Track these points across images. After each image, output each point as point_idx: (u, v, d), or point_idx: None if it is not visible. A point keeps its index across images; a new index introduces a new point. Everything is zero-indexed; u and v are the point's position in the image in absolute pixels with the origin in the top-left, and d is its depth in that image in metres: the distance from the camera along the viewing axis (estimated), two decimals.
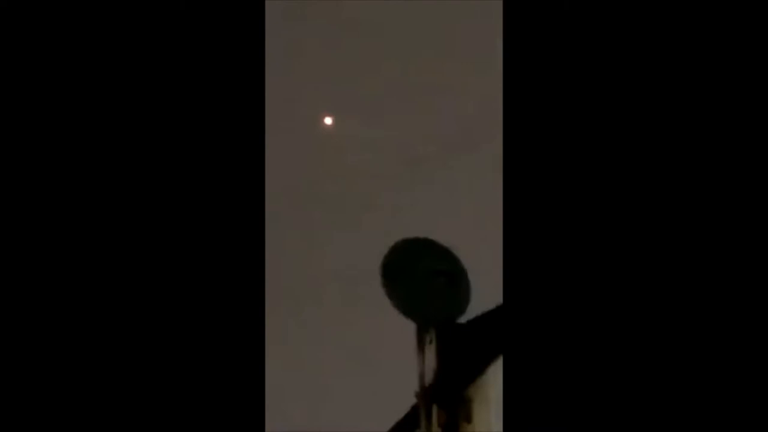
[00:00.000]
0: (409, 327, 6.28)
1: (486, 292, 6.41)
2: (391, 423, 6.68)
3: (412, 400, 6.22)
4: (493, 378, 6.15)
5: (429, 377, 6.28)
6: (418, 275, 6.38)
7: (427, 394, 6.24)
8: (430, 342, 6.27)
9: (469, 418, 6.31)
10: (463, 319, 6.42)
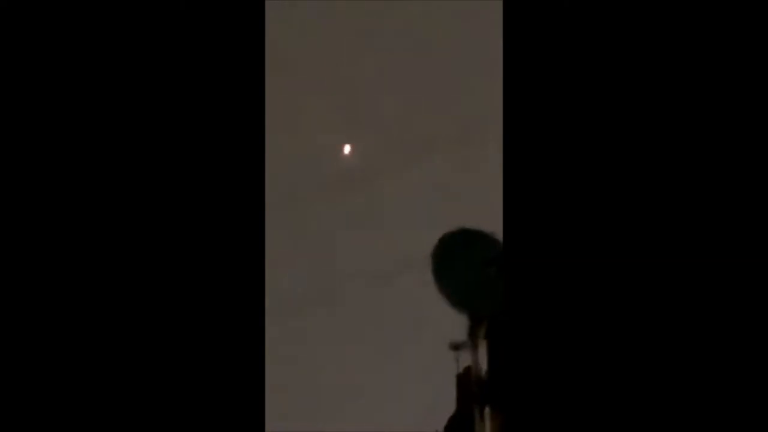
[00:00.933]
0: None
1: None
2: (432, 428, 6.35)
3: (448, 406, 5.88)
4: None
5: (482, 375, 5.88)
6: (471, 265, 5.93)
7: (481, 395, 5.85)
8: (484, 337, 5.84)
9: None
10: None
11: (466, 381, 8.08)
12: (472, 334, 5.89)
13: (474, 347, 5.89)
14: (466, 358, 7.09)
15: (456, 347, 8.35)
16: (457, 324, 5.94)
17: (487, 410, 5.78)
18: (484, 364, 5.86)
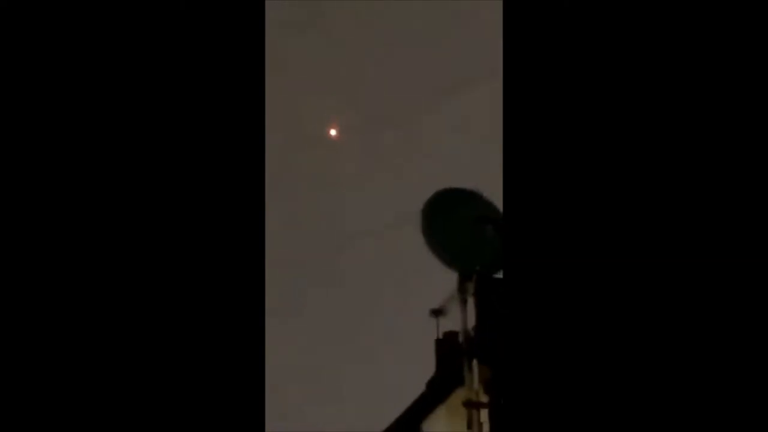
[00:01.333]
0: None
1: None
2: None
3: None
4: None
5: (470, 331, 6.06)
6: (463, 222, 6.07)
7: (469, 349, 6.03)
8: (472, 293, 6.00)
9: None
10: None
11: (445, 345, 8.37)
12: (462, 289, 6.05)
13: (463, 302, 6.05)
14: (445, 324, 7.34)
15: (436, 313, 8.62)
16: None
17: (474, 362, 5.97)
18: (471, 320, 6.02)
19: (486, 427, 5.96)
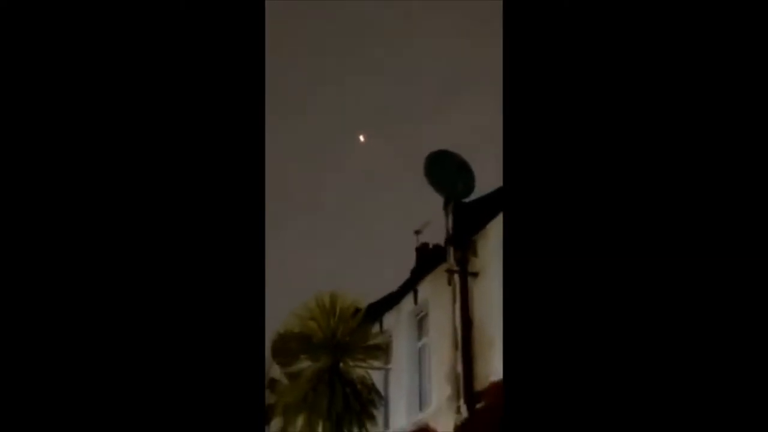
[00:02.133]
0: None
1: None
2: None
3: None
4: (491, 230, 10.15)
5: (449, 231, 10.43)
6: (450, 167, 10.45)
7: (448, 240, 10.43)
8: (451, 210, 10.37)
9: (475, 253, 10.44)
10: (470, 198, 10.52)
11: (424, 250, 13.28)
12: (446, 207, 10.42)
13: (447, 215, 10.41)
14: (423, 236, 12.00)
15: (417, 232, 13.70)
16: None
17: (451, 249, 10.37)
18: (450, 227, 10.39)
19: (458, 288, 10.39)
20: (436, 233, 10.88)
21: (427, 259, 12.42)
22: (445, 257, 10.46)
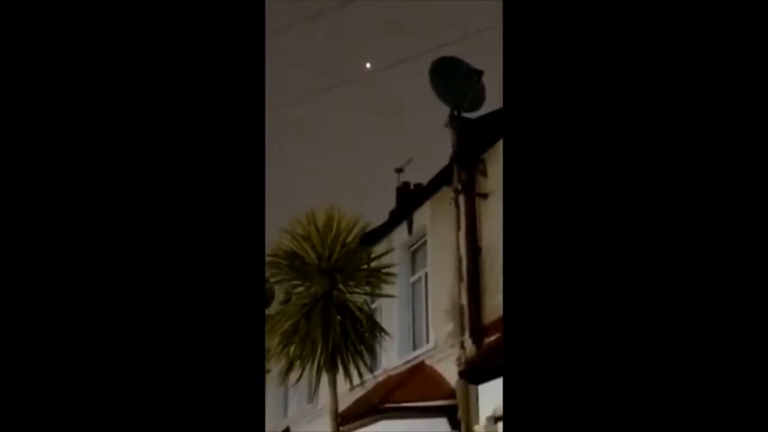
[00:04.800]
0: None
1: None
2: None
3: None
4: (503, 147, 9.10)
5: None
6: (459, 73, 9.32)
7: (454, 158, 9.34)
8: (457, 124, 9.27)
9: (485, 173, 9.37)
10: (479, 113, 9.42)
11: (402, 190, 12.36)
12: (451, 120, 9.32)
13: (453, 126, 9.32)
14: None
15: (398, 170, 12.82)
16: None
17: (455, 167, 9.30)
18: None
19: (462, 210, 9.33)
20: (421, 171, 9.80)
21: (410, 198, 11.48)
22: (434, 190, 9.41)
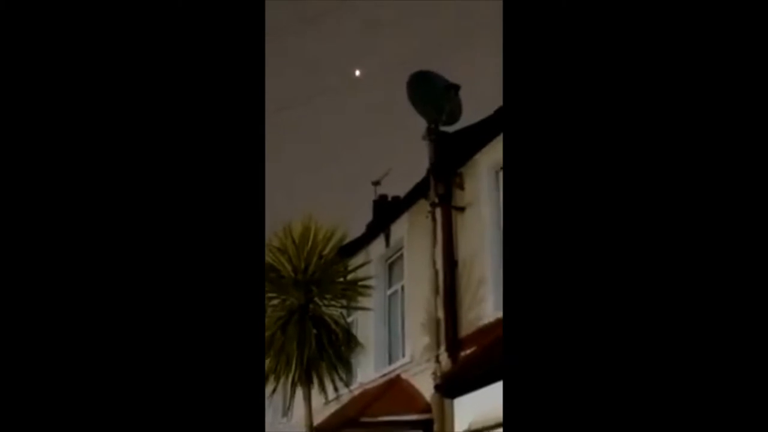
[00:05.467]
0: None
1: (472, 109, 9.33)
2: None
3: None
4: (481, 160, 9.10)
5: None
6: (436, 87, 9.32)
7: (431, 170, 9.33)
8: (431, 136, 9.27)
9: (461, 187, 9.37)
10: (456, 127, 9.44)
11: (379, 203, 12.36)
12: (429, 133, 9.32)
13: (430, 139, 9.31)
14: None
15: (375, 183, 12.85)
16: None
17: (432, 179, 9.28)
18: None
19: (439, 223, 9.32)
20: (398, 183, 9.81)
21: (387, 211, 11.44)
22: (411, 203, 9.39)
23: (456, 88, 9.30)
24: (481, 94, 9.31)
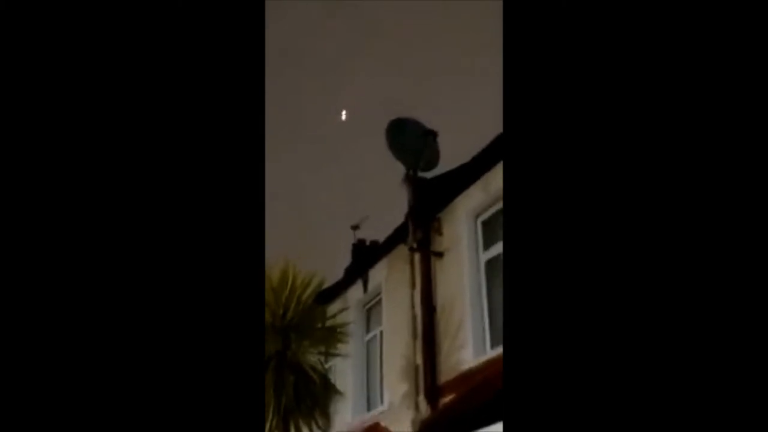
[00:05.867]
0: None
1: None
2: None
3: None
4: (459, 205, 9.11)
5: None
6: (415, 134, 9.36)
7: (409, 215, 9.33)
8: (410, 180, 9.29)
9: (440, 232, 9.37)
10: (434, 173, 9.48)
11: (358, 247, 12.32)
12: (407, 179, 9.33)
13: (408, 185, 9.33)
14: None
15: (354, 227, 12.88)
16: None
17: (410, 224, 9.28)
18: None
19: (418, 268, 9.29)
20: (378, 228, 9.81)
21: (366, 256, 11.40)
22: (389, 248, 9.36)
23: (434, 134, 9.35)
24: (459, 141, 9.38)
